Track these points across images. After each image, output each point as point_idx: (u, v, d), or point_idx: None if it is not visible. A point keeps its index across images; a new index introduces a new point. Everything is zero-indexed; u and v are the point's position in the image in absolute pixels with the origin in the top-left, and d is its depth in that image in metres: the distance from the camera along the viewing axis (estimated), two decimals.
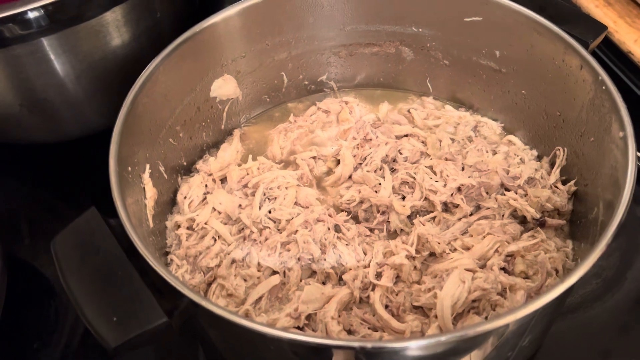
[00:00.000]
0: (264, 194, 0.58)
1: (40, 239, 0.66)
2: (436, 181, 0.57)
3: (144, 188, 0.52)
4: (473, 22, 0.60)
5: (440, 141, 0.62)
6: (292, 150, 0.66)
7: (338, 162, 0.63)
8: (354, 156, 0.62)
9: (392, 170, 0.60)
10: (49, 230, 0.68)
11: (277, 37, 0.64)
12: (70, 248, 0.41)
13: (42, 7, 0.50)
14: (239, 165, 0.63)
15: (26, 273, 0.62)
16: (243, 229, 0.55)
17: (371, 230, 0.57)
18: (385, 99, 0.71)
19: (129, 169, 0.49)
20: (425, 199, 0.56)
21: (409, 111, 0.68)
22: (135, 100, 0.51)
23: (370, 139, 0.62)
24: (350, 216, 0.57)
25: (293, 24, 0.63)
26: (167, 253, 0.56)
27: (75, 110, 0.63)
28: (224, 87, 0.64)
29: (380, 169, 0.60)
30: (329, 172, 0.63)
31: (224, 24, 0.58)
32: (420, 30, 0.64)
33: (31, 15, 0.50)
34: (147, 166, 0.53)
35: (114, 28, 0.58)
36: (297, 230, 0.54)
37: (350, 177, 0.61)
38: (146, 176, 0.53)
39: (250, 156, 0.63)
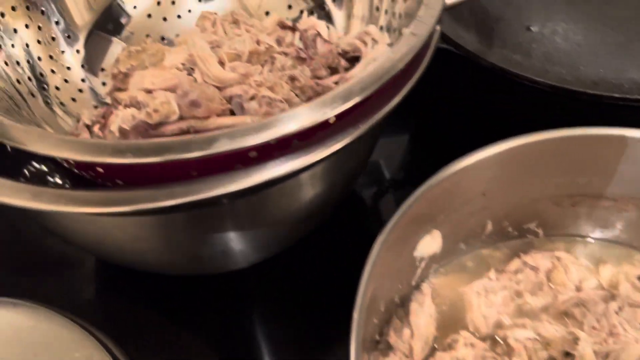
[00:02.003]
0: None
1: None
2: None
3: None
4: None
5: None
6: (499, 321, 0.53)
7: (566, 352, 0.50)
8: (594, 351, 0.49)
9: None
10: None
11: (495, 185, 0.52)
12: None
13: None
14: (436, 336, 0.52)
15: None
16: None
17: None
18: (602, 255, 0.58)
19: None
20: None
21: (639, 278, 0.55)
22: (365, 294, 0.40)
23: (618, 334, 0.49)
24: None
25: (521, 173, 0.52)
26: None
27: (229, 258, 0.53)
28: (431, 244, 0.52)
29: None
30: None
31: (472, 170, 0.47)
32: None
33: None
34: None
35: (308, 185, 0.47)
36: None
37: None
38: None
39: (461, 341, 0.51)
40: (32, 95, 0.55)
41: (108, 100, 0.60)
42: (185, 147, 0.36)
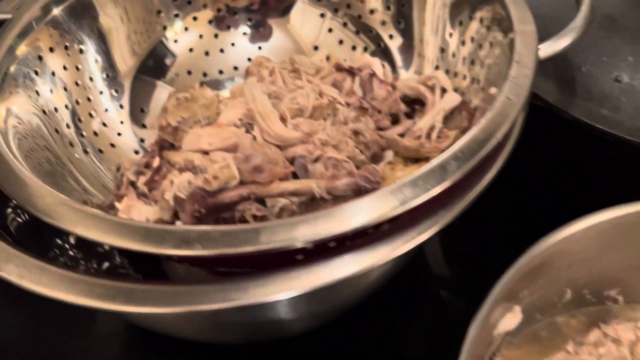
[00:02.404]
0: None
1: None
2: None
3: None
4: None
5: None
6: None
7: None
8: None
9: None
10: None
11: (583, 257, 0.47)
12: None
13: None
14: None
15: None
16: None
17: None
18: None
19: None
20: None
21: None
22: None
23: None
24: None
25: (613, 243, 0.47)
26: None
27: (282, 332, 0.49)
28: (511, 321, 0.47)
29: None
30: None
31: (562, 244, 0.42)
32: None
33: None
34: None
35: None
36: None
37: None
38: None
39: None
40: (71, 144, 0.51)
41: (149, 147, 0.56)
42: (264, 237, 0.31)
